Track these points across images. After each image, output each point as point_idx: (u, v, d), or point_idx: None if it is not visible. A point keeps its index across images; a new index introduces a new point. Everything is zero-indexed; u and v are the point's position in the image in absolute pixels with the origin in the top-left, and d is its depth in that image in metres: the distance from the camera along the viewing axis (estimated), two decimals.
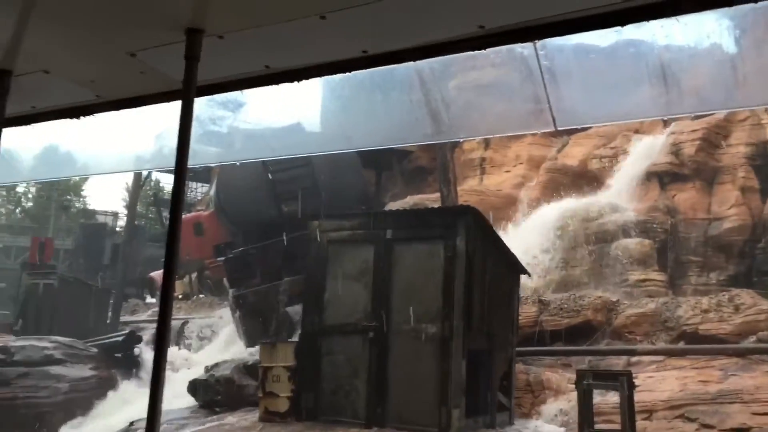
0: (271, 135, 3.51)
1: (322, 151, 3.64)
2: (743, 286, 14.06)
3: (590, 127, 21.66)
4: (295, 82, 2.58)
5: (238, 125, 3.46)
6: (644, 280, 14.73)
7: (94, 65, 2.60)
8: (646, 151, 18.20)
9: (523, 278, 11.97)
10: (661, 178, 17.08)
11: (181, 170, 2.38)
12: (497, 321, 10.62)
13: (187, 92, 2.36)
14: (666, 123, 19.18)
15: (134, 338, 15.69)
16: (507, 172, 21.83)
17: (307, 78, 2.56)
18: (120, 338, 16.06)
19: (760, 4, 1.95)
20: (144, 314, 21.71)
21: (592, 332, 12.81)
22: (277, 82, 2.59)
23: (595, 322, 12.89)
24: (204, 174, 34.99)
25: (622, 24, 2.09)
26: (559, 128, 2.64)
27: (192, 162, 2.99)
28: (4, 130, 2.82)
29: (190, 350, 16.12)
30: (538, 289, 14.57)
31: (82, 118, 2.96)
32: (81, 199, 53.28)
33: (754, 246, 15.07)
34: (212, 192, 18.38)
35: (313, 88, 2.95)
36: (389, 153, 23.22)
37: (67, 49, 2.50)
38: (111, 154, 3.76)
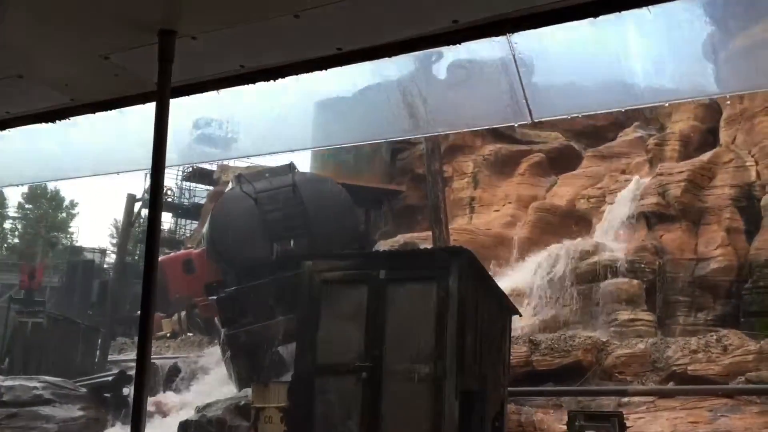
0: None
1: (301, 148, 3.62)
2: (731, 326, 14.23)
3: (578, 168, 22.05)
4: (271, 81, 2.58)
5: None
6: (633, 320, 14.86)
7: (67, 69, 2.59)
8: (633, 191, 18.50)
9: (514, 318, 12.07)
10: (649, 218, 17.34)
11: (158, 171, 2.38)
12: (489, 361, 10.69)
13: (161, 94, 2.36)
14: (652, 164, 19.53)
15: (124, 378, 15.58)
16: (496, 211, 22.08)
17: (282, 77, 2.56)
18: (109, 378, 15.94)
19: None
20: (132, 353, 21.53)
21: (582, 372, 12.89)
22: (252, 81, 2.59)
23: (586, 363, 12.98)
24: (193, 211, 35.07)
25: (595, 15, 2.10)
26: (535, 120, 2.67)
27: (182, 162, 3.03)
28: None
29: (180, 391, 16.01)
30: (529, 329, 14.67)
31: (57, 122, 2.95)
32: (68, 236, 53.07)
33: (740, 287, 15.27)
34: (205, 230, 18.45)
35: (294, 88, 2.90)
36: (380, 191, 23.46)
37: (41, 53, 2.49)
38: (89, 158, 3.68)
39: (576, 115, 2.94)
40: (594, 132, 24.91)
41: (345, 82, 2.74)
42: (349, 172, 21.72)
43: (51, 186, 54.47)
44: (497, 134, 23.64)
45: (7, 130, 3.06)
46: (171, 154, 2.50)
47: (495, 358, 10.99)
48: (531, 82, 2.52)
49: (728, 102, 19.05)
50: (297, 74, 2.53)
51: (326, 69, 2.48)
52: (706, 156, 17.88)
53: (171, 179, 35.88)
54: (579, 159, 22.75)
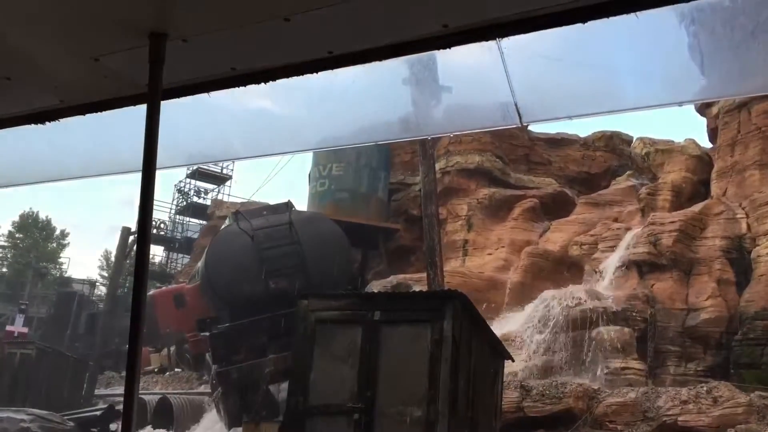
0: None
1: (293, 150, 3.59)
2: (721, 377, 14.28)
3: (571, 214, 22.28)
4: (262, 84, 2.57)
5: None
6: (624, 369, 14.90)
7: (56, 70, 2.58)
8: (625, 240, 18.69)
9: (506, 363, 12.09)
10: (640, 267, 17.49)
11: (149, 175, 2.37)
12: (481, 406, 10.68)
13: (152, 96, 2.37)
14: (644, 213, 19.78)
15: (112, 413, 15.44)
16: (489, 254, 22.21)
17: (273, 79, 2.55)
18: (97, 412, 15.78)
19: None
20: (119, 387, 21.33)
21: (573, 420, 12.88)
22: (244, 84, 2.58)
23: (577, 410, 12.98)
24: (185, 245, 35.06)
25: (584, 21, 2.12)
26: (525, 124, 2.65)
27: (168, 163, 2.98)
28: None
29: (169, 428, 15.85)
30: (521, 375, 14.68)
31: (47, 123, 2.91)
32: (58, 266, 52.79)
33: (730, 338, 15.37)
34: (199, 264, 18.46)
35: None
36: (375, 229, 23.59)
37: (29, 55, 2.48)
38: (78, 159, 3.60)
39: (565, 119, 2.98)
40: (587, 179, 25.25)
41: (336, 85, 2.73)
42: (346, 211, 21.88)
43: (42, 215, 54.38)
44: (492, 178, 23.92)
45: None
46: (162, 156, 2.50)
47: (487, 403, 10.98)
48: (520, 86, 2.54)
49: (719, 156, 19.39)
50: (288, 77, 2.53)
51: (317, 72, 2.48)
52: (697, 207, 18.14)
53: (164, 213, 36.00)
54: (572, 205, 23.00)
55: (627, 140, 25.58)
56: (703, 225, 17.56)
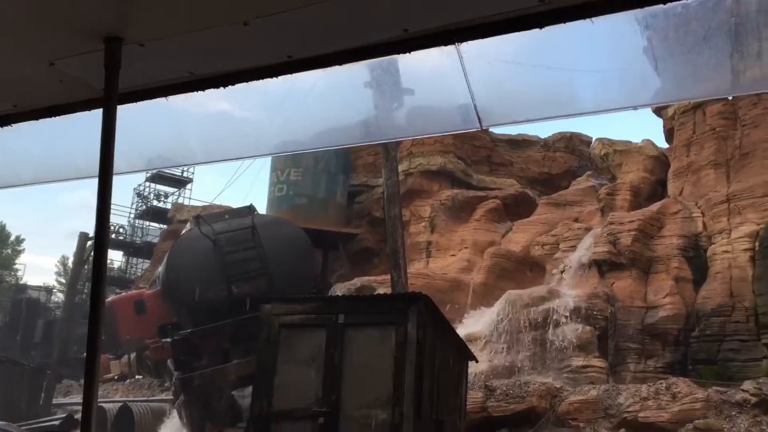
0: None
1: (255, 155, 3.53)
2: (679, 374, 14.57)
3: (532, 215, 22.53)
4: (221, 88, 2.55)
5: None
6: (585, 367, 15.11)
7: (10, 75, 2.54)
8: (585, 239, 18.95)
9: (470, 363, 12.17)
10: (600, 266, 17.75)
11: (105, 181, 2.33)
12: (446, 407, 10.72)
13: (108, 100, 2.33)
14: (604, 213, 20.09)
15: (71, 422, 15.12)
16: (452, 255, 22.34)
17: (232, 83, 2.53)
18: (56, 422, 15.45)
19: (669, 5, 2.06)
20: (78, 396, 20.91)
21: (536, 418, 13.02)
22: (202, 88, 2.56)
23: (540, 409, 13.12)
24: (145, 250, 34.51)
25: (541, 26, 2.14)
26: (485, 127, 2.66)
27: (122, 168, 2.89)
28: None
29: None
30: (485, 375, 14.77)
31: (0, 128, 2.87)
32: (13, 273, 51.57)
33: (688, 335, 15.69)
34: (160, 270, 18.19)
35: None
36: (335, 234, 23.53)
37: None
38: (32, 165, 3.54)
39: (523, 122, 3.00)
40: (548, 179, 25.56)
41: (296, 88, 2.73)
42: (305, 216, 21.78)
43: None
44: (454, 179, 24.07)
45: None
46: (120, 161, 2.48)
47: (452, 404, 11.03)
48: (480, 90, 2.56)
49: (675, 156, 19.80)
50: (247, 81, 2.52)
51: (276, 76, 2.47)
52: (655, 206, 18.49)
53: (123, 217, 35.40)
54: (534, 206, 23.26)
55: (586, 141, 25.98)
56: (660, 224, 17.91)
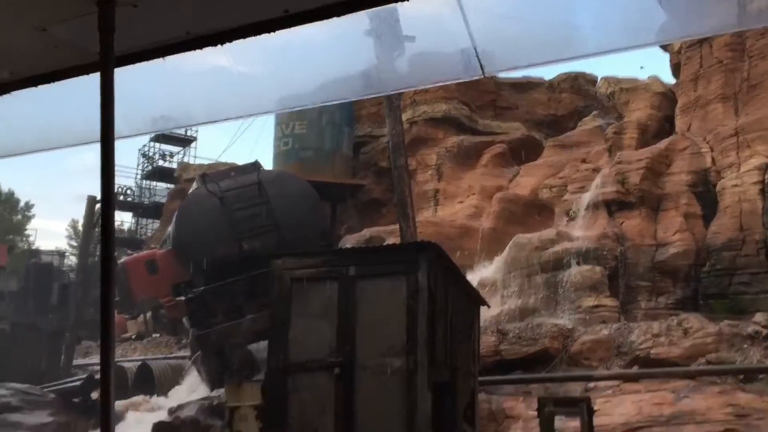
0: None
1: (256, 113, 3.51)
2: (691, 309, 14.65)
3: (539, 158, 22.40)
4: (218, 45, 2.51)
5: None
6: (597, 307, 15.20)
7: (3, 42, 2.53)
8: (593, 180, 18.87)
9: (482, 308, 12.26)
10: (609, 206, 17.71)
11: (107, 145, 2.32)
12: (460, 353, 10.85)
13: (104, 64, 2.31)
14: (611, 152, 19.94)
15: (92, 382, 15.42)
16: (460, 202, 22.31)
17: (229, 40, 2.49)
18: (77, 383, 15.76)
19: None
20: (97, 357, 21.28)
21: (549, 360, 13.16)
22: (199, 47, 2.52)
23: (552, 350, 13.25)
24: (154, 210, 34.64)
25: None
26: (487, 74, 2.63)
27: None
28: None
29: (150, 393, 15.89)
30: (497, 319, 14.91)
31: None
32: (25, 239, 51.96)
33: (698, 270, 15.72)
34: (170, 230, 18.29)
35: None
36: (342, 186, 23.51)
37: None
38: (33, 133, 3.53)
39: (525, 67, 2.94)
40: (555, 121, 25.33)
41: (295, 41, 2.67)
42: (311, 169, 21.73)
43: (5, 188, 53.27)
44: (459, 126, 23.88)
45: None
46: (120, 124, 2.48)
47: (465, 350, 11.16)
48: (481, 36, 2.51)
49: (682, 91, 19.53)
50: (244, 38, 2.48)
51: (274, 31, 2.44)
52: (663, 143, 18.32)
53: (130, 179, 35.47)
54: (540, 149, 23.10)
55: (592, 80, 25.63)
56: (669, 161, 17.77)
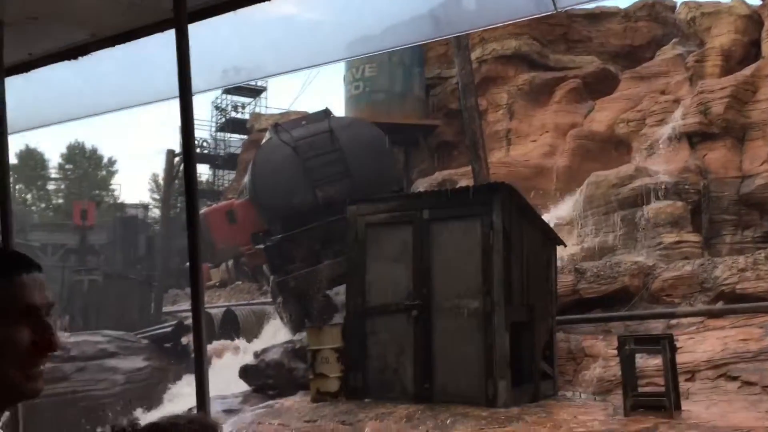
0: None
1: (326, 61, 3.53)
2: None
3: (615, 91, 21.62)
4: None
5: None
6: (679, 242, 14.80)
7: (82, 4, 2.61)
8: (673, 112, 18.14)
9: (558, 248, 12.14)
10: (691, 138, 17.05)
11: (186, 100, 2.39)
12: (537, 292, 10.83)
13: (178, 21, 2.37)
14: (693, 82, 19.05)
15: (183, 328, 16.18)
16: (533, 141, 21.89)
17: None
18: (168, 329, 16.57)
19: None
20: (185, 304, 22.24)
21: (629, 298, 12.95)
22: None
23: (632, 288, 13.02)
24: (229, 161, 35.42)
25: None
26: (560, 9, 2.52)
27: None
28: (6, 80, 2.89)
29: (236, 338, 16.55)
30: (574, 258, 14.72)
31: (79, 58, 2.94)
32: (110, 193, 54.13)
33: None
34: (246, 180, 18.71)
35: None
36: (414, 128, 23.39)
37: None
38: (115, 92, 3.59)
39: (599, 2, 2.78)
40: (631, 52, 24.30)
41: None
42: (383, 112, 21.66)
43: (89, 145, 55.40)
44: (530, 62, 23.24)
45: (30, 71, 3.09)
46: (196, 79, 2.54)
47: (542, 289, 11.12)
48: None
49: None
50: None
51: None
52: (748, 70, 17.37)
53: (205, 131, 36.22)
54: (616, 82, 22.29)
55: (671, 6, 24.34)
56: (755, 88, 16.87)
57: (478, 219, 10.02)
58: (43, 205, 54.20)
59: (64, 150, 54.77)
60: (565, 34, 24.37)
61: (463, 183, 16.77)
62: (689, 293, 12.80)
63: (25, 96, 3.58)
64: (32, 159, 53.06)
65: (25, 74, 3.14)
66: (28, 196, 52.23)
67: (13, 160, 47.93)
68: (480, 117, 16.17)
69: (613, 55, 24.36)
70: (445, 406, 9.28)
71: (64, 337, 15.25)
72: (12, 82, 3.12)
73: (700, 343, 10.88)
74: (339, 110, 22.16)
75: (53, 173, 55.42)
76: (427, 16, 2.95)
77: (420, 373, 9.93)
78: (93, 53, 2.96)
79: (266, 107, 35.88)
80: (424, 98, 24.10)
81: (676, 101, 18.51)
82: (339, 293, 12.48)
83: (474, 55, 20.68)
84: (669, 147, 17.38)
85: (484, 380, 9.54)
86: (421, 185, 19.51)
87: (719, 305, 12.29)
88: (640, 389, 9.42)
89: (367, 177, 14.52)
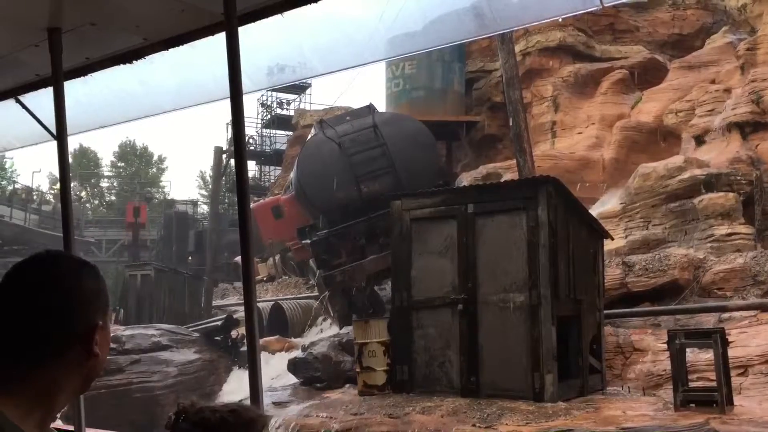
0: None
1: (371, 60, 3.59)
2: None
3: (663, 81, 21.20)
4: None
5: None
6: (730, 235, 14.48)
7: (136, 10, 2.73)
8: (724, 101, 17.72)
9: (606, 241, 12.02)
10: (742, 128, 16.64)
11: (237, 101, 2.48)
12: (583, 286, 10.75)
13: (229, 24, 2.47)
14: (744, 71, 18.57)
15: (232, 321, 16.50)
16: (579, 133, 21.61)
17: None
18: (218, 323, 16.92)
19: None
20: (234, 298, 22.65)
21: (679, 291, 12.75)
22: (315, 0, 2.61)
23: (682, 281, 12.82)
24: (275, 157, 35.81)
25: None
26: (606, 5, 2.53)
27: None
28: (66, 83, 3.06)
29: (284, 332, 16.79)
30: (622, 251, 14.54)
31: (134, 62, 3.08)
32: (160, 190, 55.28)
33: None
34: (291, 176, 18.95)
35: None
36: (455, 124, 23.31)
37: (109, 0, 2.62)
38: (168, 93, 3.78)
39: None
40: (679, 41, 23.79)
41: None
42: (424, 108, 21.64)
43: (140, 143, 56.66)
44: (576, 53, 22.94)
45: (88, 75, 3.25)
46: (245, 81, 2.66)
47: (589, 283, 11.04)
48: None
49: None
50: None
51: None
52: None
53: (251, 128, 36.63)
54: (664, 72, 21.84)
55: None
56: None
57: (523, 213, 10.00)
58: (96, 202, 55.66)
59: (116, 148, 56.18)
60: (611, 24, 23.98)
61: (507, 176, 16.69)
62: (741, 286, 12.55)
63: (84, 99, 3.76)
64: (86, 157, 54.58)
65: (83, 78, 3.33)
66: (83, 194, 53.64)
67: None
68: (524, 110, 16.07)
69: (661, 45, 23.88)
70: (492, 400, 9.31)
71: (119, 330, 15.72)
72: (71, 86, 3.29)
73: (753, 337, 10.67)
74: (381, 107, 22.23)
75: (106, 171, 56.93)
76: (470, 11, 3.01)
77: (466, 366, 9.98)
78: (147, 57, 3.11)
79: (310, 104, 36.15)
80: (464, 93, 23.99)
81: (727, 90, 18.07)
82: (385, 288, 12.59)
83: (518, 48, 20.52)
84: (720, 137, 17.00)
85: (531, 374, 9.54)
86: (465, 179, 19.45)
87: None
88: (691, 384, 9.30)
89: (410, 172, 14.58)
